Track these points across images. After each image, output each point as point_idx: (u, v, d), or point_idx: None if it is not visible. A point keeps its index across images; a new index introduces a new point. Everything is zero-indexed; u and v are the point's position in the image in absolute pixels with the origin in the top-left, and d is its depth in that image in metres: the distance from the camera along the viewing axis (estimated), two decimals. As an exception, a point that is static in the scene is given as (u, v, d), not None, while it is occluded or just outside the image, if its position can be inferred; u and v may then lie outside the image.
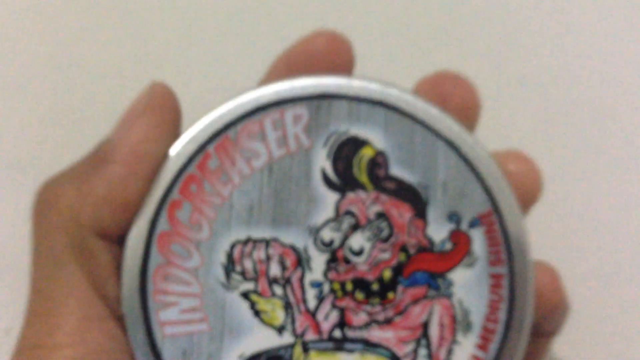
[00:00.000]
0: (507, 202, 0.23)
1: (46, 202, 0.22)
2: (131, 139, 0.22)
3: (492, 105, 0.27)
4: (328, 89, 0.23)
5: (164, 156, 0.22)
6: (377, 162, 0.23)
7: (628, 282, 0.31)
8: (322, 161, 0.22)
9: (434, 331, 0.22)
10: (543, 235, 0.27)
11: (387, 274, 0.22)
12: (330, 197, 0.22)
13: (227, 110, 0.23)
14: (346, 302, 0.22)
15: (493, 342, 0.22)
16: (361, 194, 0.22)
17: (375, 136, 0.23)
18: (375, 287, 0.22)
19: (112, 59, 0.34)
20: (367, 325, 0.22)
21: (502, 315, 0.22)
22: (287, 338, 0.22)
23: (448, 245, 0.22)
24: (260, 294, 0.22)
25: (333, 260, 0.22)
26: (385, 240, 0.22)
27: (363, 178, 0.23)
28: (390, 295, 0.22)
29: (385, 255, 0.22)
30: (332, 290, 0.22)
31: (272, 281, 0.22)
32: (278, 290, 0.22)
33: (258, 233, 0.22)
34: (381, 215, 0.22)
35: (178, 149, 0.22)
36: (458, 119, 0.23)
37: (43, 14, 0.34)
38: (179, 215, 0.22)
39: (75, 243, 0.21)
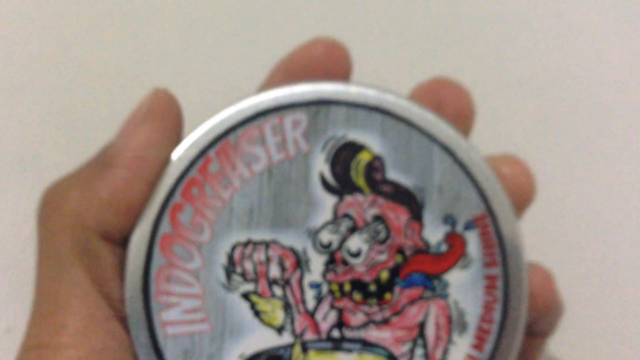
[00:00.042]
0: (501, 205, 0.23)
1: (51, 205, 0.22)
2: (134, 144, 0.22)
3: (486, 111, 0.27)
4: (326, 95, 0.23)
5: (166, 160, 0.22)
6: (374, 166, 0.23)
7: (622, 283, 0.32)
8: (320, 165, 0.23)
9: (430, 331, 0.22)
10: (537, 237, 0.27)
11: (384, 275, 0.23)
12: (328, 201, 0.23)
13: (227, 116, 0.23)
14: (344, 303, 0.22)
15: (488, 342, 0.22)
16: (359, 197, 0.23)
17: (373, 141, 0.23)
18: (372, 288, 0.22)
19: (114, 63, 0.34)
20: (364, 325, 0.22)
21: (496, 315, 0.22)
22: (286, 338, 0.22)
23: (444, 247, 0.23)
24: (260, 295, 0.22)
25: (331, 261, 0.22)
26: (383, 242, 0.23)
27: (360, 182, 0.23)
28: (388, 296, 0.22)
29: (383, 257, 0.23)
30: (331, 291, 0.22)
31: (272, 282, 0.22)
32: (278, 291, 0.22)
33: (258, 235, 0.22)
34: (378, 218, 0.23)
35: (180, 154, 0.23)
36: (453, 124, 0.23)
37: (45, 15, 0.34)
38: (180, 217, 0.22)
39: (79, 245, 0.22)
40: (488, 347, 0.22)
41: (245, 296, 0.22)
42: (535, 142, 0.33)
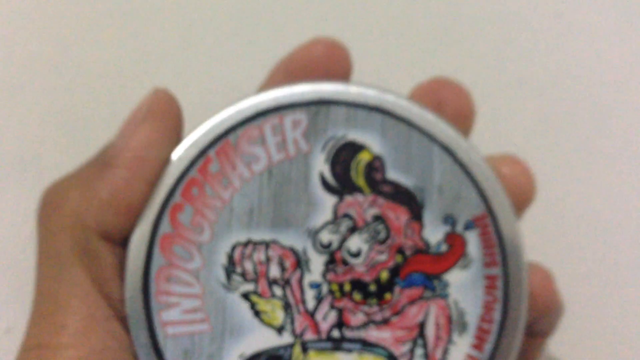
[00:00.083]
0: (501, 205, 0.23)
1: (51, 205, 0.22)
2: (134, 144, 0.22)
3: (486, 110, 0.27)
4: (326, 95, 0.23)
5: (166, 160, 0.23)
6: (374, 166, 0.23)
7: (622, 282, 0.32)
8: (320, 165, 0.23)
9: (430, 331, 0.22)
10: (537, 237, 0.27)
11: (384, 275, 0.23)
12: (328, 201, 0.23)
13: (227, 116, 0.23)
14: (344, 303, 0.22)
15: (488, 342, 0.22)
16: (359, 197, 0.23)
17: (373, 141, 0.23)
18: (372, 288, 0.22)
19: (114, 62, 0.34)
20: (364, 325, 0.22)
21: (496, 315, 0.22)
22: (286, 338, 0.22)
23: (444, 247, 0.23)
24: (260, 295, 0.22)
25: (331, 261, 0.22)
26: (383, 242, 0.23)
27: (360, 182, 0.23)
28: (388, 296, 0.22)
29: (383, 257, 0.23)
30: (331, 291, 0.22)
31: (272, 282, 0.22)
32: (278, 291, 0.22)
33: (258, 235, 0.22)
34: (378, 218, 0.23)
35: (180, 154, 0.23)
36: (453, 124, 0.23)
37: (45, 15, 0.34)
38: (180, 217, 0.22)
39: (79, 245, 0.22)
40: (488, 347, 0.22)
41: (245, 296, 0.22)
42: (535, 142, 0.33)
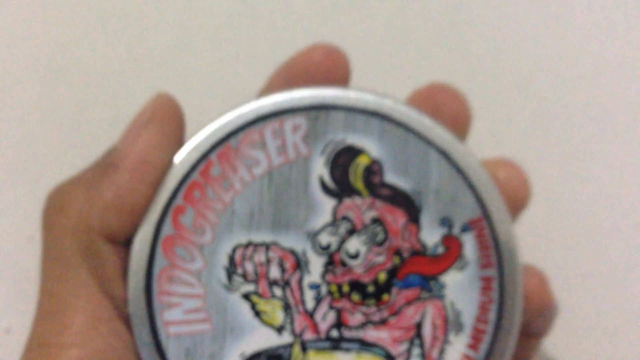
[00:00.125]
0: (497, 208, 0.23)
1: (56, 207, 0.23)
2: (138, 148, 0.22)
3: (482, 115, 0.28)
4: (325, 100, 0.23)
5: (169, 164, 0.23)
6: (373, 170, 0.23)
7: (616, 284, 0.32)
8: (319, 169, 0.23)
9: (427, 331, 0.23)
10: (532, 239, 0.28)
11: (382, 277, 0.23)
12: (327, 203, 0.23)
13: (229, 120, 0.23)
14: (343, 303, 0.23)
15: (483, 342, 0.23)
16: (357, 200, 0.23)
17: (371, 145, 0.23)
18: (370, 289, 0.23)
19: (115, 66, 0.34)
20: (363, 325, 0.23)
21: (492, 316, 0.23)
22: (286, 338, 0.22)
23: (440, 249, 0.23)
24: (260, 295, 0.22)
25: (330, 263, 0.23)
26: (381, 244, 0.23)
27: (359, 185, 0.23)
28: (385, 297, 0.23)
29: (380, 259, 0.23)
30: (330, 292, 0.23)
31: (272, 283, 0.23)
32: (278, 291, 0.23)
33: (259, 237, 0.23)
34: (376, 221, 0.23)
35: (182, 157, 0.23)
36: (450, 129, 0.24)
37: (48, 16, 0.34)
38: (183, 220, 0.23)
39: (84, 246, 0.22)
40: (484, 347, 0.23)
41: (246, 296, 0.22)
42: (530, 146, 0.33)
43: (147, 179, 0.22)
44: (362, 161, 0.23)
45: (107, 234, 0.22)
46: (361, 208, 0.23)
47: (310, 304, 0.23)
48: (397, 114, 0.23)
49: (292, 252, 0.23)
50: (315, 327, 0.23)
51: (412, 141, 0.23)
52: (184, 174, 0.23)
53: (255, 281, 0.23)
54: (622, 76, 0.34)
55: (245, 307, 0.22)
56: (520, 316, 0.23)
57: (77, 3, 0.34)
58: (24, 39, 0.34)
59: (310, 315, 0.23)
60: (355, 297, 0.23)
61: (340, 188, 0.23)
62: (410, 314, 0.23)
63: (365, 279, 0.23)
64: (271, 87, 0.25)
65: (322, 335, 0.23)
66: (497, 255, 0.23)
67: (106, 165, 0.23)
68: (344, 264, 0.23)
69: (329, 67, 0.25)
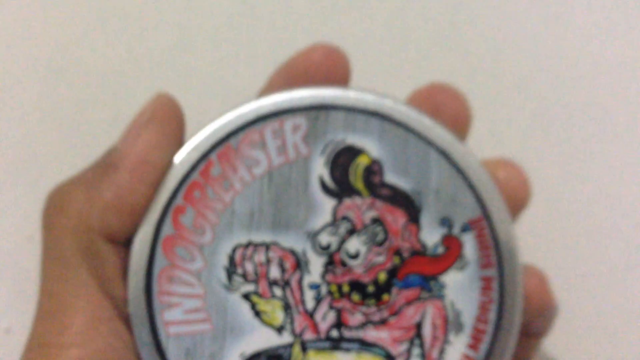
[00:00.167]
0: (497, 208, 0.23)
1: (56, 207, 0.23)
2: (138, 148, 0.22)
3: (482, 115, 0.28)
4: (325, 100, 0.23)
5: (169, 164, 0.23)
6: (373, 170, 0.23)
7: (615, 284, 0.32)
8: (319, 169, 0.23)
9: (427, 331, 0.23)
10: (532, 239, 0.28)
11: (382, 277, 0.23)
12: (327, 203, 0.23)
13: (229, 120, 0.23)
14: (343, 303, 0.23)
15: (483, 342, 0.23)
16: (357, 200, 0.23)
17: (371, 145, 0.23)
18: (370, 289, 0.23)
19: (115, 66, 0.34)
20: (363, 325, 0.23)
21: (492, 316, 0.23)
22: (286, 338, 0.22)
23: (440, 249, 0.23)
24: (260, 295, 0.23)
25: (330, 263, 0.23)
26: (381, 244, 0.23)
27: (359, 185, 0.23)
28: (385, 297, 0.23)
29: (380, 259, 0.23)
30: (330, 292, 0.23)
31: (272, 283, 0.23)
32: (278, 291, 0.23)
33: (259, 237, 0.23)
34: (376, 221, 0.23)
35: (182, 157, 0.23)
36: (450, 129, 0.24)
37: (48, 16, 0.34)
38: (183, 220, 0.23)
39: (84, 246, 0.22)
40: (483, 346, 0.23)
41: (246, 296, 0.22)
42: (530, 146, 0.33)
43: (147, 179, 0.22)
44: (362, 161, 0.23)
45: (107, 233, 0.22)
46: (361, 208, 0.23)
47: (310, 304, 0.23)
48: (397, 114, 0.23)
49: (292, 252, 0.23)
50: (315, 327, 0.23)
51: (412, 141, 0.23)
52: (184, 174, 0.23)
53: (255, 281, 0.23)
54: (622, 76, 0.34)
55: (245, 307, 0.22)
56: (520, 316, 0.23)
57: (77, 3, 0.34)
58: (25, 39, 0.34)
59: (310, 315, 0.23)
60: (355, 297, 0.23)
61: (340, 188, 0.23)
62: (410, 314, 0.23)
63: (365, 279, 0.23)
64: (271, 87, 0.25)
65: (322, 335, 0.23)
66: (497, 255, 0.23)
67: (106, 165, 0.23)
68: (344, 264, 0.23)
69: (329, 67, 0.25)
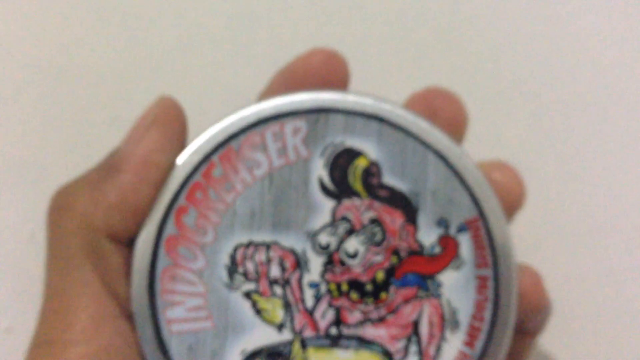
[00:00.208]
0: (493, 209, 0.23)
1: (61, 207, 0.23)
2: (141, 150, 0.23)
3: (478, 118, 0.28)
4: (325, 104, 0.24)
5: (172, 165, 0.23)
6: (371, 172, 0.23)
7: (610, 283, 0.32)
8: (319, 170, 0.23)
9: (423, 329, 0.23)
10: (527, 239, 0.28)
11: (380, 276, 0.23)
12: (327, 204, 0.23)
13: (230, 123, 0.23)
14: (342, 302, 0.23)
15: (479, 340, 0.23)
16: (356, 201, 0.23)
17: (369, 147, 0.23)
18: (369, 287, 0.23)
19: (117, 69, 0.34)
20: (361, 323, 0.23)
21: (487, 314, 0.23)
22: (286, 335, 0.23)
23: (437, 249, 0.23)
24: (261, 294, 0.23)
25: (329, 262, 0.23)
26: (379, 244, 0.23)
27: (358, 186, 0.23)
28: (383, 295, 0.23)
29: (379, 258, 0.23)
30: (329, 291, 0.23)
31: (273, 282, 0.23)
32: (278, 290, 0.23)
33: (259, 237, 0.23)
34: (375, 221, 0.23)
35: (184, 159, 0.23)
36: (446, 132, 0.24)
37: (48, 17, 0.34)
38: (185, 220, 0.23)
39: (88, 246, 0.22)
40: (479, 344, 0.23)
41: (247, 295, 0.23)
42: (525, 148, 0.33)
43: (150, 180, 0.23)
44: (361, 163, 0.23)
45: (111, 233, 0.23)
46: (360, 209, 0.23)
47: (309, 302, 0.23)
48: (395, 117, 0.24)
49: (292, 252, 0.23)
50: (314, 325, 0.23)
51: (410, 144, 0.24)
52: (187, 175, 0.23)
53: (256, 280, 0.23)
54: (619, 78, 0.34)
55: (246, 305, 0.23)
56: (515, 314, 0.23)
57: (78, 4, 0.35)
58: (25, 39, 0.34)
59: (310, 313, 0.23)
60: (354, 295, 0.23)
61: (340, 189, 0.23)
62: (408, 312, 0.23)
63: (364, 278, 0.23)
64: (272, 90, 0.25)
65: (322, 333, 0.23)
66: (492, 255, 0.23)
67: (110, 166, 0.23)
68: (342, 263, 0.23)
69: (329, 71, 0.25)
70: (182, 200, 0.23)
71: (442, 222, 0.23)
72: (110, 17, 0.35)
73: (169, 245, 0.23)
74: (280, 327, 0.23)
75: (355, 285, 0.23)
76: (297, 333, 0.23)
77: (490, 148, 0.32)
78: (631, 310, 0.32)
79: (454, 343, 0.23)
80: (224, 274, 0.23)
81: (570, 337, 0.31)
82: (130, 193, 0.23)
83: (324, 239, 0.23)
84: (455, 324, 0.23)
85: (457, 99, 0.26)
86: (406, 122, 0.24)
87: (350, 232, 0.23)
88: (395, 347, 0.23)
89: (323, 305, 0.23)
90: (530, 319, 0.24)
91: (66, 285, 0.22)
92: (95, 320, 0.22)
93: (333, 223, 0.23)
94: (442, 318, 0.23)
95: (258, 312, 0.23)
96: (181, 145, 0.23)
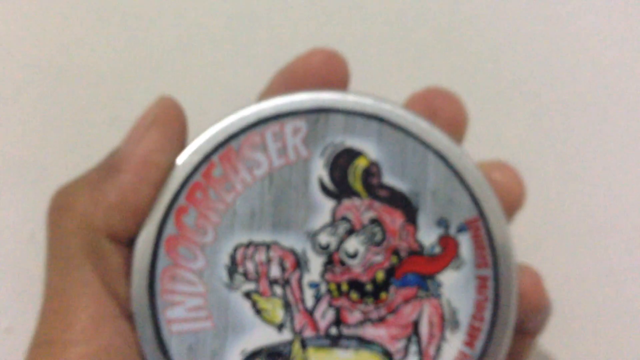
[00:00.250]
0: (493, 209, 0.23)
1: (61, 207, 0.23)
2: (141, 150, 0.23)
3: (478, 118, 0.28)
4: (325, 104, 0.24)
5: (172, 165, 0.23)
6: (371, 172, 0.23)
7: (609, 283, 0.32)
8: (319, 170, 0.23)
9: (423, 329, 0.23)
10: (527, 239, 0.28)
11: (380, 276, 0.23)
12: (327, 204, 0.23)
13: (230, 123, 0.23)
14: (342, 302, 0.23)
15: (479, 340, 0.23)
16: (356, 201, 0.23)
17: (369, 147, 0.24)
18: (369, 287, 0.23)
19: (117, 69, 0.34)
20: (361, 323, 0.23)
21: (487, 314, 0.23)
22: (286, 335, 0.23)
23: (437, 249, 0.23)
24: (261, 294, 0.23)
25: (329, 262, 0.23)
26: (379, 244, 0.23)
27: (358, 186, 0.23)
28: (383, 295, 0.23)
29: (379, 258, 0.23)
30: (329, 291, 0.23)
31: (273, 282, 0.23)
32: (278, 290, 0.23)
33: (259, 237, 0.23)
34: (374, 221, 0.23)
35: (184, 159, 0.23)
36: (446, 132, 0.24)
37: (48, 18, 0.34)
38: (185, 220, 0.23)
39: (88, 246, 0.22)
40: (479, 344, 0.23)
41: (247, 295, 0.23)
42: (524, 148, 0.33)
43: (151, 180, 0.23)
44: (361, 163, 0.24)
45: (111, 233, 0.23)
46: (360, 209, 0.23)
47: (309, 302, 0.23)
48: (395, 117, 0.24)
49: (292, 252, 0.23)
50: (314, 325, 0.23)
51: (410, 144, 0.24)
52: (187, 175, 0.23)
53: (256, 280, 0.23)
54: (619, 78, 0.34)
55: (246, 305, 0.23)
56: (515, 314, 0.23)
57: (78, 4, 0.35)
58: (26, 40, 0.34)
59: (310, 313, 0.23)
60: (354, 295, 0.23)
61: (340, 189, 0.23)
62: (408, 312, 0.23)
63: (364, 278, 0.23)
64: (272, 90, 0.25)
65: (322, 333, 0.23)
66: (492, 255, 0.23)
67: (110, 166, 0.23)
68: (342, 263, 0.23)
69: (329, 71, 0.25)
70: (182, 200, 0.23)
71: (442, 222, 0.23)
72: (110, 17, 0.35)
73: (169, 245, 0.23)
74: (280, 327, 0.23)
75: (355, 285, 0.23)
76: (297, 333, 0.23)
77: (490, 148, 0.32)
78: (631, 310, 0.32)
79: (454, 343, 0.23)
80: (224, 274, 0.23)
81: (570, 337, 0.32)
82: (131, 193, 0.23)
83: (324, 239, 0.23)
84: (455, 324, 0.23)
85: (457, 99, 0.26)
86: (406, 122, 0.24)
87: (350, 232, 0.23)
88: (395, 347, 0.23)
89: (323, 305, 0.23)
90: (530, 319, 0.24)
91: (66, 285, 0.22)
92: (95, 320, 0.22)
93: (333, 223, 0.23)
94: (442, 318, 0.23)
95: (258, 312, 0.23)
96: (181, 145, 0.24)
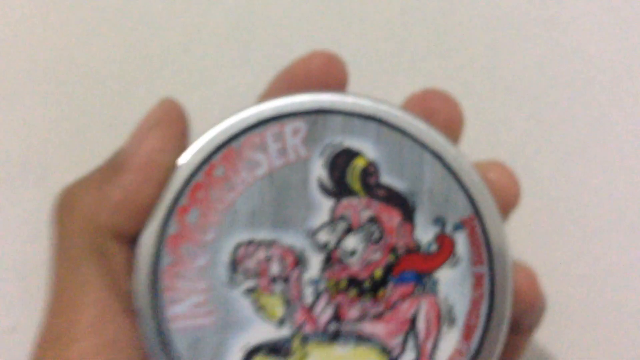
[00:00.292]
0: (488, 208, 0.24)
1: (66, 207, 0.23)
2: (144, 150, 0.23)
3: (474, 119, 0.28)
4: (324, 105, 0.24)
5: (174, 165, 0.23)
6: (369, 171, 0.24)
7: (603, 281, 0.32)
8: (318, 170, 0.24)
9: (421, 325, 0.23)
10: (522, 238, 0.28)
11: (378, 273, 0.23)
12: (325, 203, 0.24)
13: (231, 124, 0.24)
14: (340, 299, 0.23)
15: (475, 336, 0.23)
16: (354, 200, 0.24)
17: (367, 147, 0.24)
18: (367, 284, 0.23)
19: (119, 71, 0.34)
20: (360, 319, 0.23)
21: (483, 311, 0.23)
22: (286, 331, 0.23)
23: (434, 247, 0.24)
24: (261, 291, 0.23)
25: (328, 260, 0.23)
26: (376, 242, 0.24)
27: (356, 186, 0.24)
28: (381, 292, 0.23)
29: (376, 256, 0.24)
30: (328, 288, 0.23)
31: (273, 279, 0.23)
32: (278, 287, 0.23)
33: (260, 235, 0.23)
34: (372, 220, 0.24)
35: (187, 159, 0.23)
36: (443, 132, 0.24)
37: (50, 18, 0.34)
38: (187, 219, 0.23)
39: (92, 244, 0.23)
40: (475, 340, 0.23)
41: (248, 292, 0.23)
42: (521, 147, 0.33)
43: (154, 180, 0.23)
44: (359, 163, 0.24)
45: (115, 232, 0.23)
46: (358, 208, 0.24)
47: (309, 299, 0.23)
48: (393, 118, 0.24)
49: (292, 250, 0.23)
50: (314, 321, 0.23)
51: (407, 144, 0.24)
52: (189, 175, 0.23)
53: (257, 277, 0.23)
54: (616, 78, 0.34)
55: (246, 302, 0.23)
56: (510, 311, 0.23)
57: (79, 5, 0.35)
58: (27, 40, 0.34)
59: (310, 309, 0.23)
60: (352, 292, 0.23)
61: (338, 189, 0.24)
62: (405, 309, 0.23)
63: (362, 275, 0.23)
64: (272, 92, 0.26)
65: (321, 329, 0.23)
66: (488, 253, 0.24)
67: (114, 166, 0.23)
68: (341, 261, 0.23)
69: (328, 73, 0.25)
70: (184, 200, 0.23)
71: (439, 221, 0.24)
72: (112, 19, 0.35)
73: (172, 243, 0.23)
74: (280, 323, 0.23)
75: (354, 282, 0.23)
76: (297, 329, 0.23)
77: (486, 148, 0.33)
78: (626, 308, 0.32)
79: (450, 339, 0.23)
80: (225, 272, 0.23)
81: (570, 337, 0.32)
82: (134, 192, 0.23)
83: (323, 237, 0.23)
84: (451, 320, 0.23)
85: (454, 100, 0.26)
86: (404, 123, 0.24)
87: (349, 230, 0.24)
88: (393, 342, 0.23)
89: (322, 301, 0.23)
90: (526, 316, 0.25)
91: (72, 282, 0.23)
92: (99, 317, 0.22)
93: (332, 222, 0.24)
94: (438, 314, 0.23)
95: (259, 308, 0.23)
96: (183, 145, 0.24)
